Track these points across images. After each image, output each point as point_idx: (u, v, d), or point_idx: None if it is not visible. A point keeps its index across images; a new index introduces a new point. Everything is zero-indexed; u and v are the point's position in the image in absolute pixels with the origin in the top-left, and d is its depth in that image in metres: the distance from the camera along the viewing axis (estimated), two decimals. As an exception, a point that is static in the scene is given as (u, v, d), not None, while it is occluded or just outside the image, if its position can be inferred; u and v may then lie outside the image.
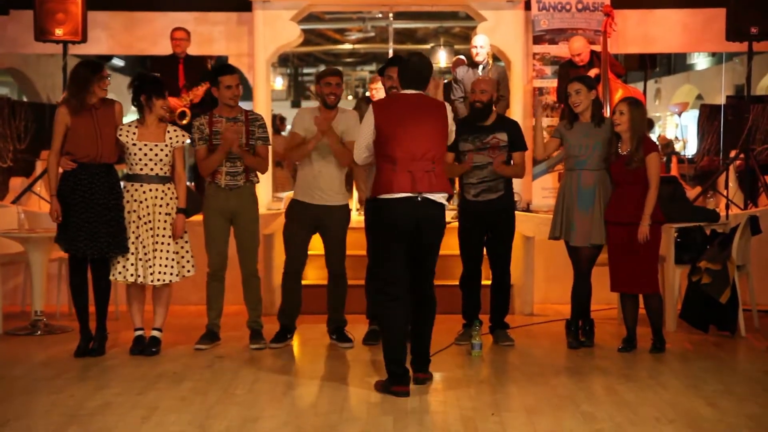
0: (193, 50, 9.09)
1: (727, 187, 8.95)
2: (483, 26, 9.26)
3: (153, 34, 9.56)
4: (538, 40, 9.29)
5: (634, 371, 5.86)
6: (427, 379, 5.50)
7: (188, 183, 6.69)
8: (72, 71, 6.15)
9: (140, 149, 6.13)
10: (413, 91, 5.47)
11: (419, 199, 5.30)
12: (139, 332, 6.31)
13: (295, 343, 6.67)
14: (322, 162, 6.46)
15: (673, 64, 21.02)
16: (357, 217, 9.24)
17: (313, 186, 6.46)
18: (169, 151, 6.18)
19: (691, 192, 9.10)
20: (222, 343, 6.54)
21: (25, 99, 16.21)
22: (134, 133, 6.16)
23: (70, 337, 6.65)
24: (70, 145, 6.06)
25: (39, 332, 6.86)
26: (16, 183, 9.77)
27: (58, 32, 8.68)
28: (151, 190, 6.15)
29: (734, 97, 13.99)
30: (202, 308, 6.65)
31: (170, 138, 6.19)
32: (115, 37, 9.58)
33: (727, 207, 8.42)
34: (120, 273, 6.13)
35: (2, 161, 10.37)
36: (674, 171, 11.58)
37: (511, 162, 6.55)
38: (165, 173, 6.20)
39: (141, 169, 6.14)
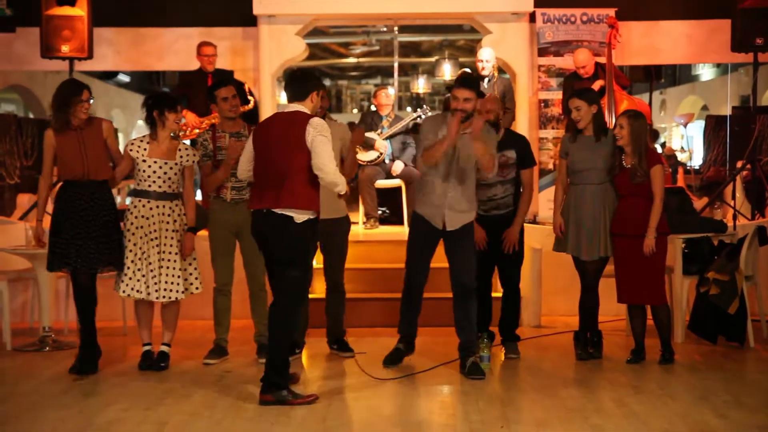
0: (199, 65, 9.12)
1: (734, 197, 8.94)
2: (488, 39, 9.28)
3: (159, 50, 9.60)
4: (543, 52, 9.31)
5: (643, 383, 5.84)
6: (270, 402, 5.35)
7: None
8: (56, 90, 6.13)
9: (150, 166, 6.12)
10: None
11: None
12: (147, 347, 6.30)
13: (303, 356, 6.66)
14: None
15: (678, 75, 21.05)
16: (363, 231, 9.28)
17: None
18: (179, 170, 6.18)
19: (698, 203, 9.09)
20: (230, 357, 6.53)
21: (31, 116, 16.30)
22: (145, 149, 6.15)
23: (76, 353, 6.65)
24: (59, 166, 6.11)
25: (47, 348, 6.85)
26: (24, 199, 9.78)
27: (65, 49, 8.71)
28: (158, 206, 6.14)
29: (740, 107, 13.99)
30: (210, 323, 6.65)
31: (181, 157, 6.18)
32: (121, 53, 9.62)
33: (735, 217, 8.40)
34: (132, 289, 6.11)
35: (9, 178, 10.41)
36: (681, 182, 11.56)
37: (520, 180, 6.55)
38: (173, 190, 6.19)
39: (149, 186, 6.14)
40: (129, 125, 23.70)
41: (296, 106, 5.51)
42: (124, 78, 20.82)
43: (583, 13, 9.25)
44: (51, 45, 8.72)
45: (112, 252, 6.11)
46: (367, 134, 9.30)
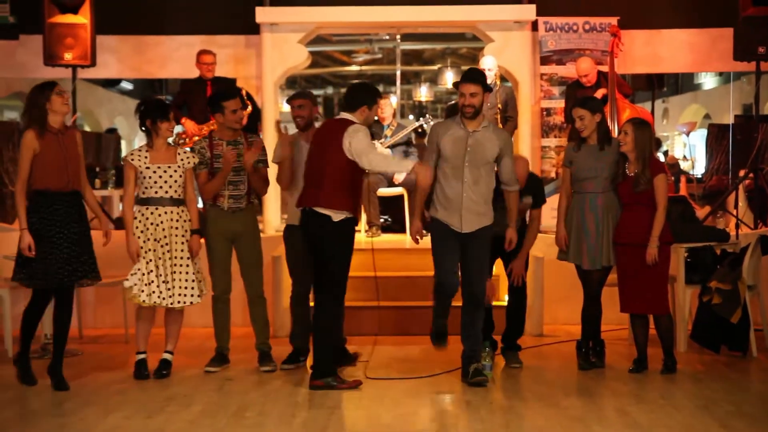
0: (202, 73, 9.14)
1: (736, 206, 8.93)
2: (490, 47, 9.29)
3: (161, 58, 9.62)
4: (545, 60, 9.32)
5: (646, 392, 5.83)
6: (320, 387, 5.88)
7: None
8: (27, 98, 5.94)
9: (154, 172, 6.13)
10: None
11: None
12: (142, 356, 6.24)
13: (307, 365, 6.64)
14: None
15: (680, 83, 21.04)
16: (365, 239, 9.26)
17: None
18: (182, 173, 6.21)
19: (701, 212, 9.08)
20: (231, 365, 6.53)
21: (34, 123, 16.26)
22: (146, 157, 6.16)
23: (79, 361, 6.66)
24: (39, 172, 5.84)
25: (48, 356, 6.81)
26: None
27: (67, 56, 8.74)
28: (166, 212, 6.15)
29: (742, 116, 13.98)
30: (210, 331, 6.64)
31: (182, 159, 6.22)
32: (123, 60, 9.64)
33: (737, 226, 8.39)
34: (152, 294, 6.06)
35: (12, 185, 10.39)
36: (683, 191, 11.55)
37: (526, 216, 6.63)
38: (179, 195, 6.20)
39: (156, 192, 6.14)
40: (132, 132, 23.69)
41: (345, 115, 5.98)
42: (126, 85, 20.82)
43: (586, 22, 9.26)
44: (54, 53, 8.75)
45: (88, 264, 6.00)
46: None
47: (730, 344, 6.84)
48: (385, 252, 8.47)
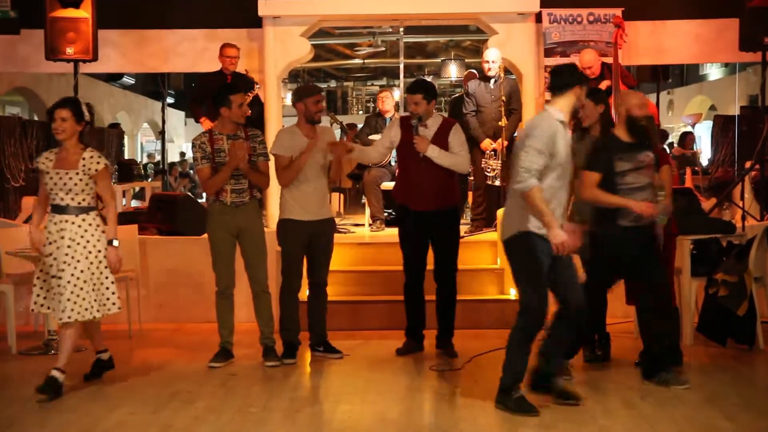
0: (204, 67, 9.10)
1: (742, 198, 8.88)
2: (494, 39, 9.24)
3: (164, 52, 9.58)
4: (549, 52, 9.27)
5: (652, 385, 5.79)
6: None
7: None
8: None
9: (51, 178, 5.68)
10: None
11: None
12: (53, 373, 5.65)
13: (310, 359, 6.63)
14: (315, 178, 6.51)
15: (685, 75, 21.02)
16: (369, 233, 9.25)
17: (309, 203, 6.51)
18: (80, 180, 5.67)
19: (706, 203, 9.04)
20: (236, 360, 6.51)
21: (36, 118, 16.29)
22: (51, 160, 5.72)
23: (83, 357, 6.62)
24: None
25: (52, 352, 6.81)
26: (29, 202, 9.75)
27: (69, 51, 8.71)
28: (58, 222, 5.68)
29: (748, 107, 13.94)
30: (214, 326, 6.62)
31: (84, 165, 5.68)
32: (125, 54, 9.61)
33: (743, 218, 8.35)
34: (42, 306, 5.82)
35: (14, 180, 10.39)
36: (689, 183, 11.51)
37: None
38: (78, 203, 5.69)
39: (53, 199, 5.70)
40: (135, 127, 23.72)
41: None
42: (128, 80, 20.83)
43: (590, 13, 9.21)
44: (55, 47, 8.72)
45: None
46: (372, 137, 9.30)
47: (737, 337, 6.81)
48: (388, 246, 8.45)
